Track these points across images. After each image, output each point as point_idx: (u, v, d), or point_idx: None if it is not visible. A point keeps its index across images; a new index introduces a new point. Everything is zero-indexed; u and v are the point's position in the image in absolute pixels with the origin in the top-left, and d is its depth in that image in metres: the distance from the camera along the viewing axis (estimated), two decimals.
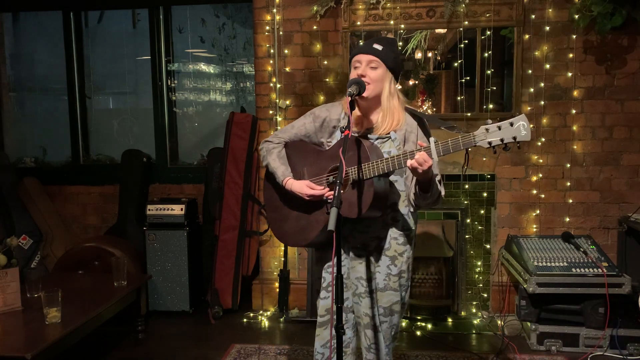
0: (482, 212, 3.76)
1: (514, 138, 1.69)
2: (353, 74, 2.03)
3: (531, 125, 3.66)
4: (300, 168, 2.13)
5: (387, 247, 2.10)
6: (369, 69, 2.00)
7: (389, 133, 2.04)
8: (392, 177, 2.06)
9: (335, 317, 1.68)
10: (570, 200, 3.73)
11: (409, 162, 1.77)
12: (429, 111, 4.13)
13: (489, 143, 1.71)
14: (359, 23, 3.74)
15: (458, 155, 3.45)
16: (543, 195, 3.74)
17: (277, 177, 2.11)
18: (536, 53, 3.66)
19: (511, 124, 1.69)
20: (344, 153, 1.74)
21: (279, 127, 3.88)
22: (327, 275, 2.15)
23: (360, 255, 2.11)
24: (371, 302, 2.09)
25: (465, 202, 3.75)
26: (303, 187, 2.03)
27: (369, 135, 2.07)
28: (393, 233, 2.10)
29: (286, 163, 2.14)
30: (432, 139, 1.79)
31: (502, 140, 1.70)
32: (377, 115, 2.08)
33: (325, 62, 3.82)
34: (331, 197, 1.91)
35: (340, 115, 2.12)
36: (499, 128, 1.70)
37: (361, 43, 3.70)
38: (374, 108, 2.08)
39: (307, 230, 2.09)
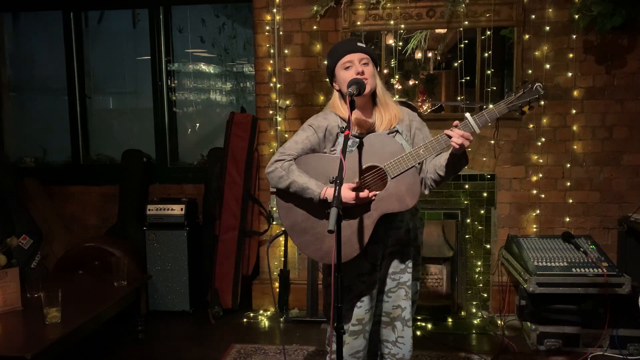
0: (482, 212, 3.76)
1: (537, 97, 1.91)
2: (348, 74, 2.01)
3: (531, 126, 3.69)
4: (321, 179, 1.97)
5: (413, 237, 2.11)
6: (363, 66, 2.00)
7: (394, 127, 2.04)
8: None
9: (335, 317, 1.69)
10: (570, 200, 3.73)
11: (458, 140, 1.86)
12: (429, 111, 4.13)
13: (520, 106, 1.91)
14: (359, 23, 3.74)
15: None
16: (543, 195, 3.74)
17: (309, 192, 1.93)
18: (536, 53, 3.66)
19: (531, 87, 1.91)
20: (344, 153, 1.74)
21: (279, 127, 3.88)
22: (360, 284, 2.03)
23: (395, 252, 2.07)
24: (404, 293, 2.07)
25: (465, 202, 3.75)
26: (349, 192, 1.90)
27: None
28: (416, 222, 2.14)
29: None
30: (467, 115, 1.93)
31: (529, 101, 1.91)
32: (375, 113, 2.08)
33: (326, 62, 3.81)
34: (374, 197, 1.93)
35: (338, 121, 2.07)
36: (524, 91, 1.91)
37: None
38: (370, 106, 2.08)
39: (355, 239, 1.94)
